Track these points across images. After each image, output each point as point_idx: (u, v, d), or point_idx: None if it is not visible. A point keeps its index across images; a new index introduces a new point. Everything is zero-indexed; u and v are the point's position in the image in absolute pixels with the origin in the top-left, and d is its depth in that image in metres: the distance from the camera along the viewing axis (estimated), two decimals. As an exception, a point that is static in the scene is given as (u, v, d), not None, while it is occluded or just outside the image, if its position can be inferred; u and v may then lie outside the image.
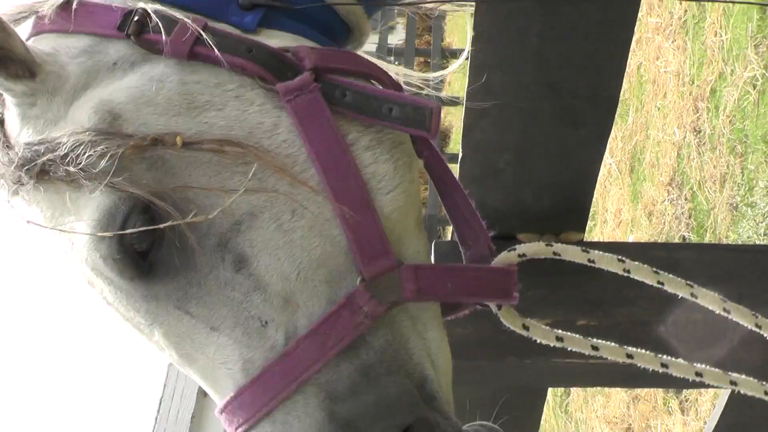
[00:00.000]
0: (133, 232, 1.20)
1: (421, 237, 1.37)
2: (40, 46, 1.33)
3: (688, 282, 1.46)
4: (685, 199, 7.71)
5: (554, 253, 1.43)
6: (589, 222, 1.72)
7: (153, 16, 1.26)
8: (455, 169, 1.54)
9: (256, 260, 1.23)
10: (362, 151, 1.28)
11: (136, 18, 1.26)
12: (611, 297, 1.78)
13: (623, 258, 1.45)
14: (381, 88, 1.36)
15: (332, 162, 1.25)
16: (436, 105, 1.31)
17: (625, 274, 1.45)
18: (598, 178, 1.76)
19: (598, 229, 9.22)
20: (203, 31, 1.26)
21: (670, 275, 1.46)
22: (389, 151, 1.31)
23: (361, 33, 1.55)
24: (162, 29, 1.26)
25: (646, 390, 8.43)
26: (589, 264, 1.43)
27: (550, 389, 1.97)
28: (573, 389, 10.26)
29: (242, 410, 1.23)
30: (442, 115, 1.55)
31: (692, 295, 1.47)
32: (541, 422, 2.60)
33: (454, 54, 12.15)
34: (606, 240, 8.40)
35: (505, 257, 1.37)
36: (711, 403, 6.61)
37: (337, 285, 1.25)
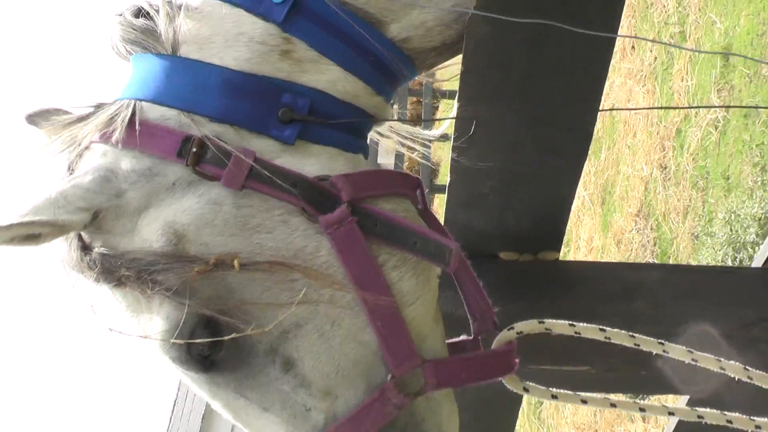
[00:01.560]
0: (199, 342, 1.29)
1: (437, 329, 1.45)
2: (97, 157, 1.34)
3: (659, 341, 1.47)
4: (651, 228, 7.84)
5: (546, 329, 1.46)
6: (563, 248, 1.72)
7: (210, 147, 1.30)
8: (443, 198, 1.56)
9: (301, 363, 1.31)
10: (390, 270, 1.34)
11: (194, 149, 1.29)
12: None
13: (604, 327, 1.46)
14: (408, 221, 1.40)
15: (368, 283, 1.31)
16: (456, 246, 1.41)
17: (606, 340, 1.47)
18: (572, 208, 1.75)
19: (571, 255, 9.28)
20: (253, 167, 1.29)
21: (644, 337, 1.47)
22: (413, 269, 1.37)
23: (385, 118, 1.60)
24: (218, 162, 1.29)
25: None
26: (575, 335, 1.47)
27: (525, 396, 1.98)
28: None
29: None
30: (432, 149, 1.60)
31: (664, 351, 1.49)
32: (516, 427, 2.61)
33: (444, 94, 12.21)
34: (579, 265, 8.35)
35: (504, 335, 1.43)
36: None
37: (369, 379, 1.32)
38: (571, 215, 8.36)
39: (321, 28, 1.36)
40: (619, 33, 1.36)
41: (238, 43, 1.34)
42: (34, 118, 1.42)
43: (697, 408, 1.50)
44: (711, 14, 7.26)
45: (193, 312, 1.27)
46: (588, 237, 9.23)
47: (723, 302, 1.70)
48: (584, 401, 1.51)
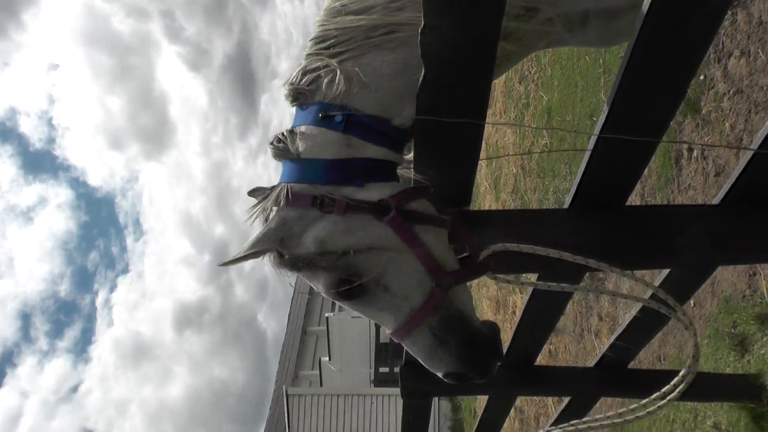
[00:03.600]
0: (342, 289, 1.29)
1: (450, 255, 1.34)
2: (276, 212, 1.32)
3: (575, 255, 1.29)
4: (519, 198, 7.84)
5: (507, 248, 1.31)
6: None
7: (326, 198, 1.28)
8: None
9: (391, 287, 1.28)
10: (422, 234, 1.28)
11: (319, 201, 1.28)
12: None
13: (546, 249, 1.30)
14: (426, 211, 1.32)
15: (413, 243, 1.27)
16: (449, 218, 1.33)
17: (546, 254, 1.29)
18: (480, 191, 1.56)
19: (480, 216, 9.14)
20: (348, 202, 1.28)
21: (565, 253, 1.28)
22: (432, 232, 1.30)
23: (401, 162, 1.44)
24: (331, 204, 1.28)
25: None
26: (531, 252, 1.31)
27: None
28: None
29: (396, 335, 1.33)
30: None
31: (574, 259, 1.29)
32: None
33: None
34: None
35: (485, 251, 1.33)
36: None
37: (423, 287, 1.28)
38: (479, 195, 8.64)
39: (361, 128, 1.31)
40: (495, 120, 1.24)
41: (327, 145, 1.31)
42: (251, 193, 1.43)
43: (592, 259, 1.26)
44: (541, 93, 7.20)
45: (335, 275, 1.29)
46: (488, 204, 9.18)
47: (545, 223, 1.48)
48: (522, 283, 1.40)
